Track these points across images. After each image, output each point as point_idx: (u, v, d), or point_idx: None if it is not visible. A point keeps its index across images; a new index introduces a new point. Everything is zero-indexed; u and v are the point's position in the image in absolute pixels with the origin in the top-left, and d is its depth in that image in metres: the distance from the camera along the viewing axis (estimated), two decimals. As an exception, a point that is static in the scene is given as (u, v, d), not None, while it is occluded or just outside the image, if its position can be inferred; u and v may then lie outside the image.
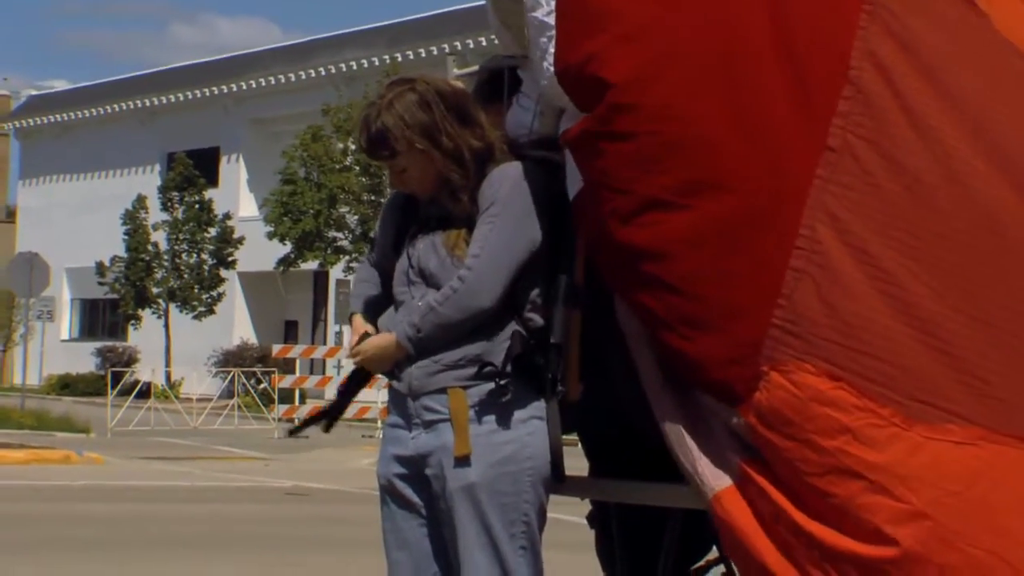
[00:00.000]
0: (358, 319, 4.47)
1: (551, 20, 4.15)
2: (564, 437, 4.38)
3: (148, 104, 52.64)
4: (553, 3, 4.14)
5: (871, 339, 3.80)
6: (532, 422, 4.29)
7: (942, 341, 3.81)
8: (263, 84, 48.75)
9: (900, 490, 3.74)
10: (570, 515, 6.35)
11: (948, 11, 3.94)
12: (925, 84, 3.88)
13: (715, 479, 3.98)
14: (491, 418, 4.26)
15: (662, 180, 3.91)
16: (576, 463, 4.78)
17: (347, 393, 4.64)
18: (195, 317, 43.23)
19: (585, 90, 4.03)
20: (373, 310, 4.50)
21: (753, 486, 3.92)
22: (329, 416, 4.65)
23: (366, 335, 4.39)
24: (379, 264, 4.54)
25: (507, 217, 4.26)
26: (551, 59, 4.14)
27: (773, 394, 3.84)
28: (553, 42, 4.13)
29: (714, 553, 4.94)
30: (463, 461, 4.24)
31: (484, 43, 38.13)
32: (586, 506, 5.06)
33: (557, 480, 4.36)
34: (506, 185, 4.29)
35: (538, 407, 4.29)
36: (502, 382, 4.22)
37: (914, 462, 3.76)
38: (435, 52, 40.55)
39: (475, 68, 5.20)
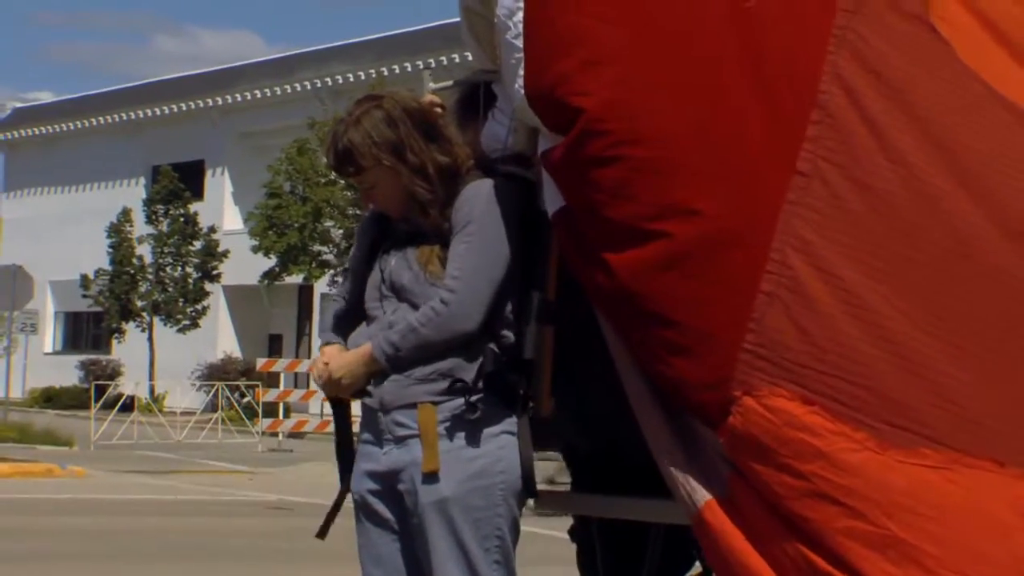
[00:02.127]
0: (327, 349, 4.49)
1: (519, 42, 4.15)
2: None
3: (133, 117, 52.51)
4: (520, 26, 4.15)
5: (843, 363, 3.78)
6: (504, 436, 4.29)
7: (914, 364, 3.78)
8: (249, 97, 48.67)
9: (876, 515, 3.71)
10: (551, 529, 6.35)
11: (914, 37, 3.93)
12: (894, 109, 3.87)
13: (703, 491, 3.96)
14: (462, 433, 4.26)
15: (632, 205, 3.91)
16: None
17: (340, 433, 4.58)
18: (179, 330, 43.07)
19: (555, 114, 4.03)
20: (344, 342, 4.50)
21: (741, 499, 3.90)
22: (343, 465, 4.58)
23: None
24: (351, 291, 4.53)
25: (483, 236, 4.28)
26: (521, 81, 4.15)
27: (748, 419, 3.82)
28: (522, 64, 4.13)
29: (697, 568, 4.93)
30: (432, 477, 4.24)
31: (469, 57, 38.08)
32: (567, 520, 5.06)
33: (529, 495, 4.36)
34: (480, 203, 4.30)
35: (510, 422, 4.30)
36: (473, 399, 4.23)
37: (890, 487, 3.73)
38: (420, 66, 40.45)
39: (450, 83, 5.23)
